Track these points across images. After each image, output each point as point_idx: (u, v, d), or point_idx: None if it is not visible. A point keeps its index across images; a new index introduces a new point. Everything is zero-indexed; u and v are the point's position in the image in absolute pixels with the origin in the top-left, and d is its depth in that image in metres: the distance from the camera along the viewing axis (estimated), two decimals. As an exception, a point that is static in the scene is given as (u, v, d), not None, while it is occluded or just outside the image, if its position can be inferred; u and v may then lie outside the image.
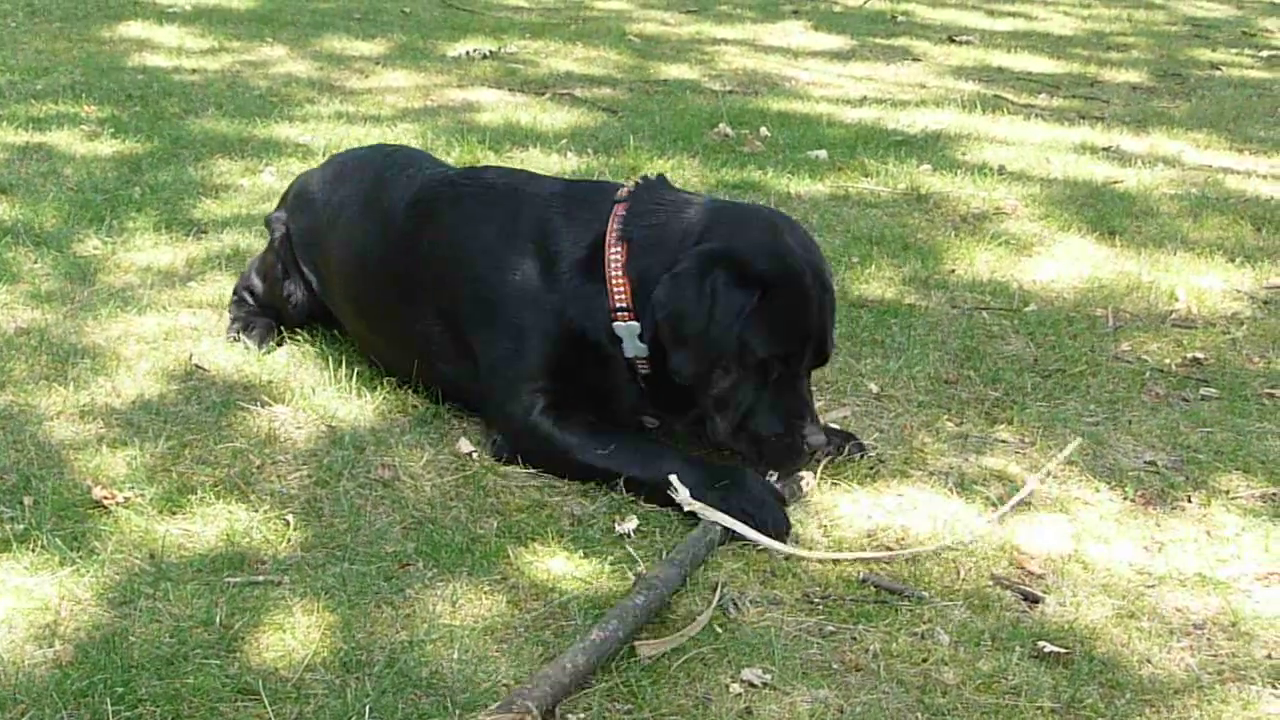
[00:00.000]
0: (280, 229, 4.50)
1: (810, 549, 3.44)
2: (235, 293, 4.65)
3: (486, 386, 3.84)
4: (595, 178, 6.18)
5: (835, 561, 3.38)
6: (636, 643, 2.99)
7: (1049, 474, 3.71)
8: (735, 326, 3.51)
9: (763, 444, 3.63)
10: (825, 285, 3.64)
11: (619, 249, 3.67)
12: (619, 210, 3.73)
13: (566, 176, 6.16)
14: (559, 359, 3.73)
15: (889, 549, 3.45)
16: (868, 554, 3.41)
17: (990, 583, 3.32)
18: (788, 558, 3.38)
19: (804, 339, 3.60)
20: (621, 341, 3.69)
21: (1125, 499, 3.72)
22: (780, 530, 3.43)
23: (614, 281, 3.66)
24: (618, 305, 3.66)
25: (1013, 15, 11.81)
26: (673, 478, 3.48)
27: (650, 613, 3.06)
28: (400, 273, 4.04)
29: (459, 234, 3.94)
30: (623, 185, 3.89)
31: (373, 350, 4.24)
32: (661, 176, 3.89)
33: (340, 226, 4.29)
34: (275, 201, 5.63)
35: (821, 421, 3.72)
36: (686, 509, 3.46)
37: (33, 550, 3.27)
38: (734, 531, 3.41)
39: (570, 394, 3.75)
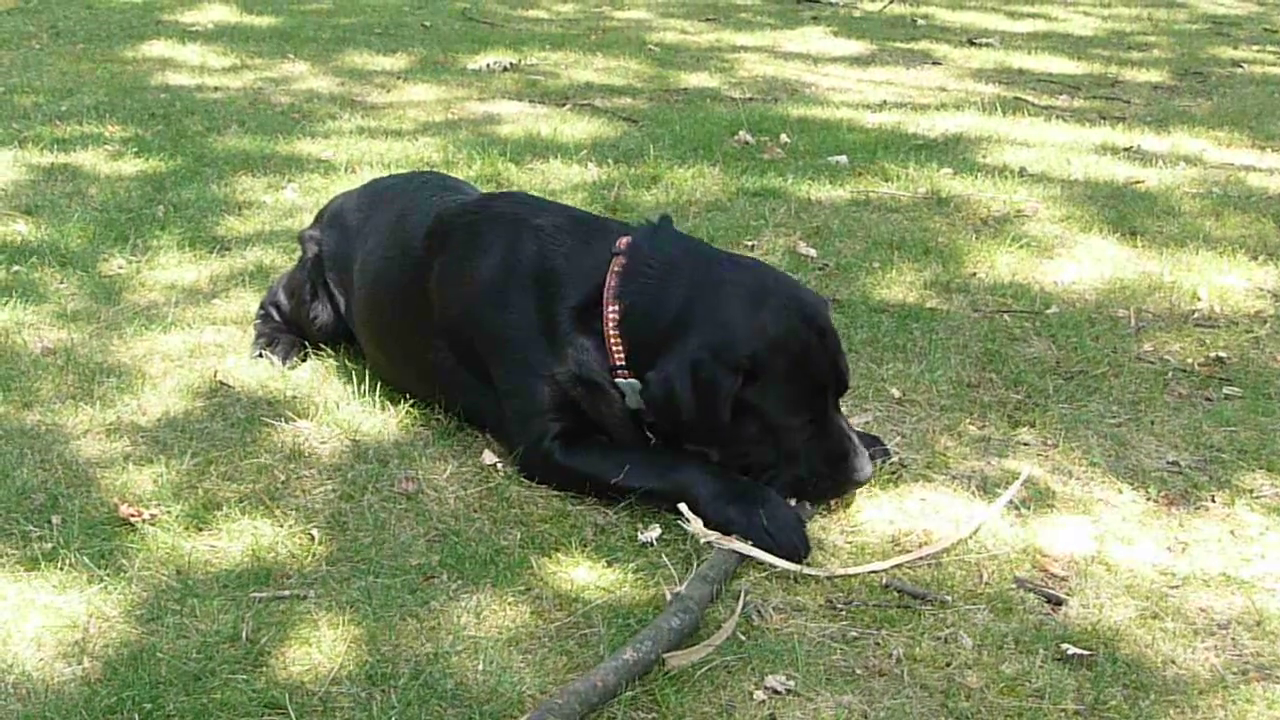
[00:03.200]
0: (313, 248, 4.52)
1: (832, 556, 3.45)
2: (261, 308, 4.68)
3: (501, 414, 3.86)
4: (615, 188, 6.21)
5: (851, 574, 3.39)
6: (665, 654, 2.99)
7: (1008, 502, 3.67)
8: (726, 414, 3.50)
9: (806, 485, 3.61)
10: (821, 330, 3.59)
11: (615, 308, 3.66)
12: (616, 265, 3.70)
13: (579, 202, 6.18)
14: (564, 395, 3.72)
15: (910, 553, 3.45)
16: (879, 565, 3.40)
17: (1013, 585, 3.32)
18: (798, 577, 3.36)
19: (816, 394, 3.58)
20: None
21: (1148, 499, 3.72)
22: (799, 554, 3.41)
23: (611, 340, 3.65)
24: (617, 364, 3.65)
25: (1033, 16, 11.80)
26: (682, 507, 3.47)
27: (685, 635, 3.05)
28: (416, 303, 4.05)
29: (465, 266, 3.93)
30: (624, 231, 3.85)
31: (392, 376, 4.24)
32: (665, 220, 3.85)
33: (367, 252, 4.31)
34: (299, 218, 5.70)
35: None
36: (703, 541, 3.44)
37: (61, 568, 3.30)
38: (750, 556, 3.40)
39: (581, 421, 3.75)
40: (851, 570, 3.38)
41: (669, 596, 3.17)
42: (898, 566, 3.39)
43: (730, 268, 3.69)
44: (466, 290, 3.91)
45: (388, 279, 4.19)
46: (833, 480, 3.60)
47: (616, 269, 3.69)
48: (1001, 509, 3.63)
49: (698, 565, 3.31)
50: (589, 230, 3.88)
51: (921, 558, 3.42)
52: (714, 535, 3.41)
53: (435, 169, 6.50)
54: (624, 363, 3.64)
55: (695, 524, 3.44)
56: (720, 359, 3.49)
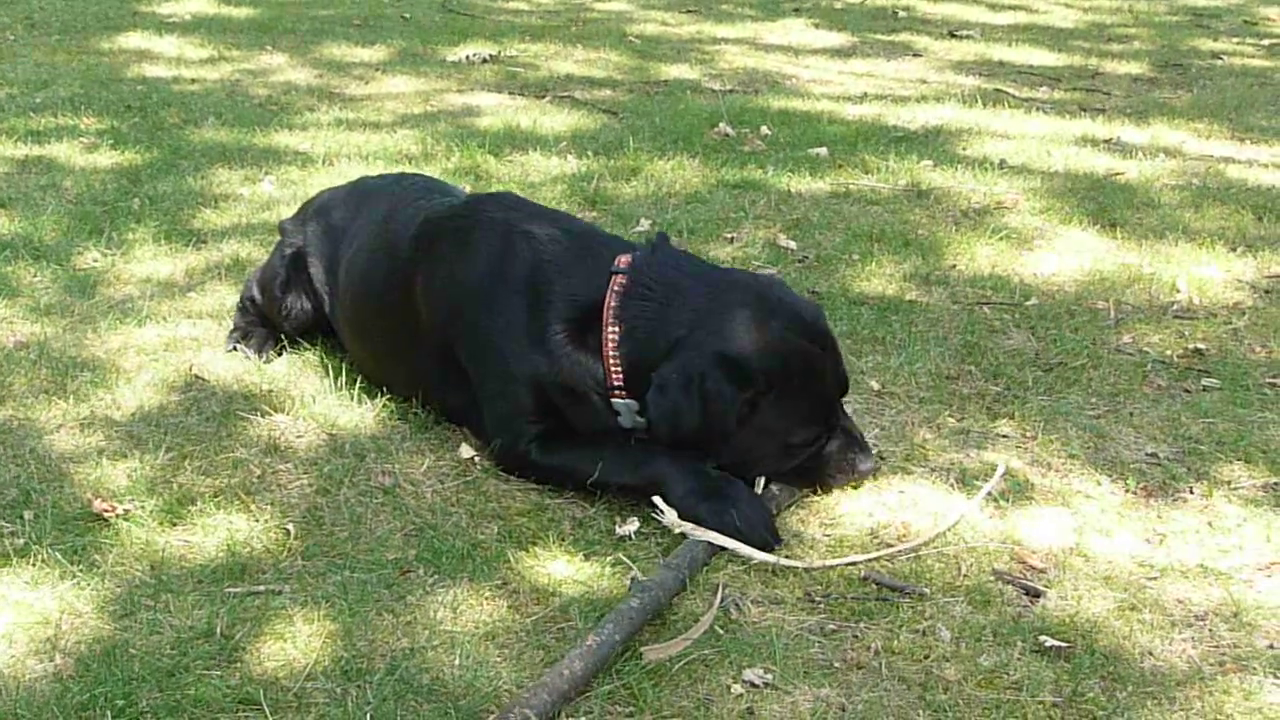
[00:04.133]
0: (294, 242, 4.48)
1: (810, 549, 3.44)
2: (241, 300, 4.65)
3: (483, 413, 3.84)
4: (594, 180, 6.19)
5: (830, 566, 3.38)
6: (643, 648, 2.99)
7: (987, 494, 3.68)
8: (732, 424, 3.49)
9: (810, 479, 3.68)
10: (824, 342, 3.62)
11: (615, 328, 3.63)
12: (616, 284, 3.66)
13: (559, 194, 6.16)
14: (548, 402, 3.72)
15: (890, 546, 3.44)
16: (859, 557, 3.39)
17: (991, 578, 3.32)
18: (776, 570, 3.36)
19: (826, 404, 3.61)
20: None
21: (1127, 491, 3.71)
22: (770, 546, 3.41)
23: (610, 361, 3.63)
24: (615, 384, 3.64)
25: (1013, 9, 11.79)
26: (657, 500, 3.46)
27: (646, 616, 3.06)
28: (401, 304, 4.02)
29: (454, 271, 3.91)
30: (618, 246, 3.84)
31: (375, 375, 4.22)
32: (663, 238, 3.83)
33: (353, 252, 4.29)
34: (276, 210, 5.67)
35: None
36: (676, 531, 3.43)
37: (33, 564, 3.27)
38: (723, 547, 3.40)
39: (559, 424, 3.74)
40: (830, 563, 3.37)
41: (628, 583, 3.17)
42: (877, 559, 3.38)
43: (730, 287, 3.65)
44: (455, 293, 3.88)
45: (373, 280, 4.17)
46: (840, 475, 3.65)
47: (617, 289, 3.65)
48: (980, 501, 3.62)
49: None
50: (584, 243, 3.84)
51: (900, 551, 3.41)
52: (688, 526, 3.40)
53: (414, 161, 6.49)
54: (621, 383, 3.63)
55: (669, 515, 3.43)
56: (729, 373, 3.47)
